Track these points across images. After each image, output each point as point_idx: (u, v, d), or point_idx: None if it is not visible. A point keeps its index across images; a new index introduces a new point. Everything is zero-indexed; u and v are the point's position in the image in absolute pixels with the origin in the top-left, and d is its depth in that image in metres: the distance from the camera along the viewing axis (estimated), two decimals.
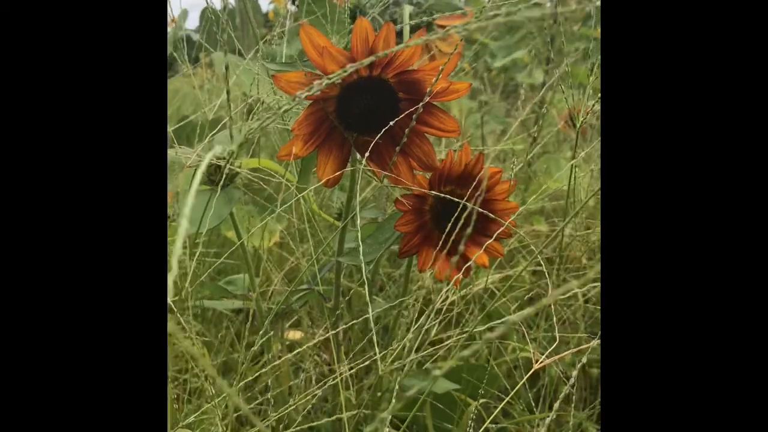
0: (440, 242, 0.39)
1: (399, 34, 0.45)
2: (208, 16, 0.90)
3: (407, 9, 0.48)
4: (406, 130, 0.35)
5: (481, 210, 0.38)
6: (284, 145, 0.35)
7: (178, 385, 0.57)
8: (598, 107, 0.48)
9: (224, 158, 0.37)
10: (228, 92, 0.36)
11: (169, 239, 0.56)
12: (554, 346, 0.35)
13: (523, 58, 1.24)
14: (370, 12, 0.53)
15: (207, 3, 0.59)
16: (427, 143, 0.37)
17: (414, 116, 0.35)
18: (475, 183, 0.38)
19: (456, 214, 0.37)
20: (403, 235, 0.40)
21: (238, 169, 0.40)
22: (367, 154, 0.36)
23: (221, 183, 0.38)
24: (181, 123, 0.70)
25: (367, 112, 0.35)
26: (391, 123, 0.35)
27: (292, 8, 1.14)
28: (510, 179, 0.40)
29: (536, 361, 0.34)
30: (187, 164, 0.36)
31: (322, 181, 0.36)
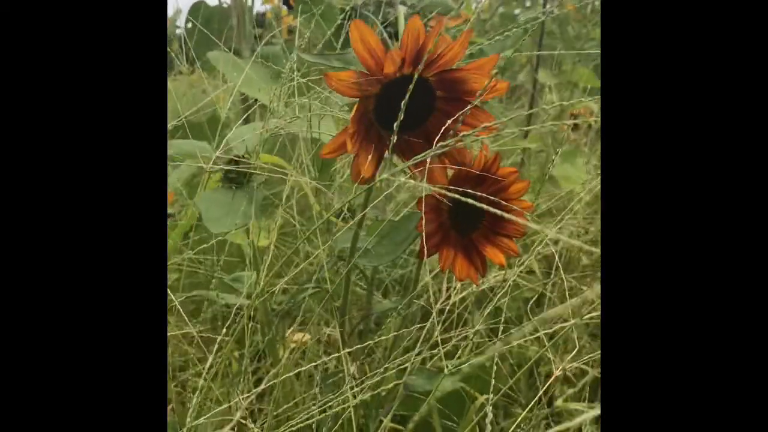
0: (458, 241, 0.39)
1: (395, 35, 0.45)
2: (201, 13, 0.90)
3: (401, 10, 0.48)
4: (450, 132, 0.36)
5: (496, 208, 0.38)
6: (329, 142, 0.36)
7: (178, 384, 0.57)
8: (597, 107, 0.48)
9: (242, 157, 0.37)
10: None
11: (174, 236, 0.55)
12: (575, 354, 0.35)
13: (520, 59, 1.24)
14: (362, 11, 0.53)
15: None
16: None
17: (460, 117, 0.35)
18: (491, 182, 0.39)
19: (472, 214, 0.38)
20: (420, 235, 0.40)
21: (259, 172, 0.39)
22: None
23: (243, 182, 0.38)
24: (180, 120, 0.69)
25: (405, 110, 0.35)
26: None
27: (284, 8, 1.14)
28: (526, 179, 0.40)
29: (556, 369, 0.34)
30: (209, 166, 0.36)
31: (357, 178, 0.36)
